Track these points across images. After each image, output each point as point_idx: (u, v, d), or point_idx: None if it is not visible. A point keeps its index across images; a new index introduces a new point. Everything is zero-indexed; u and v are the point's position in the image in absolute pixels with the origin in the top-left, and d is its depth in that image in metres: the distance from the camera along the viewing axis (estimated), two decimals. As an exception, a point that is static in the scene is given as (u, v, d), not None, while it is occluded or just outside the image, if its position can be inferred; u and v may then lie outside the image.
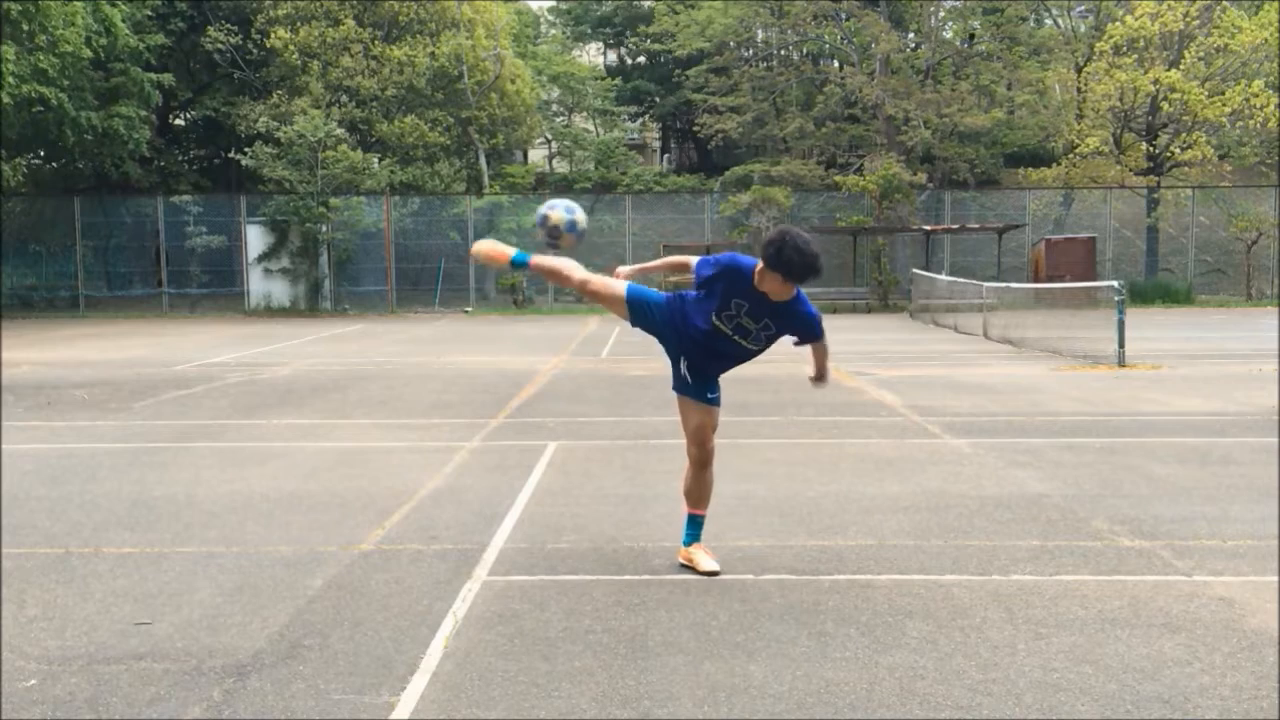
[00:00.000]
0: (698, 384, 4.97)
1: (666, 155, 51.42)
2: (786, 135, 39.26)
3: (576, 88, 43.27)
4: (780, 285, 4.56)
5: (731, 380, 5.80)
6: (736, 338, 4.76)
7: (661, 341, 5.05)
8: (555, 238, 5.07)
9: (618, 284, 5.07)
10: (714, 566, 4.94)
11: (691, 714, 3.47)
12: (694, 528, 5.11)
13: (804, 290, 4.76)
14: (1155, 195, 33.39)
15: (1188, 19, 31.95)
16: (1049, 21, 40.52)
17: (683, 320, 4.85)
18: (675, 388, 5.07)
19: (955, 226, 31.71)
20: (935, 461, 7.64)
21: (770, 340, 4.82)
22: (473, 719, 3.46)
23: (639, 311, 4.99)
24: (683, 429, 5.10)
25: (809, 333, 4.86)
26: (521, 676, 3.78)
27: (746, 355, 4.89)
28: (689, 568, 5.01)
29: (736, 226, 32.86)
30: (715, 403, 5.01)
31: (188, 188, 34.63)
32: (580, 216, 5.13)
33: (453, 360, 15.95)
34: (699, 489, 5.09)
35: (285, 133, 29.79)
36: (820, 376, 5.12)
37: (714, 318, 4.75)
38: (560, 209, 5.09)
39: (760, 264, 4.58)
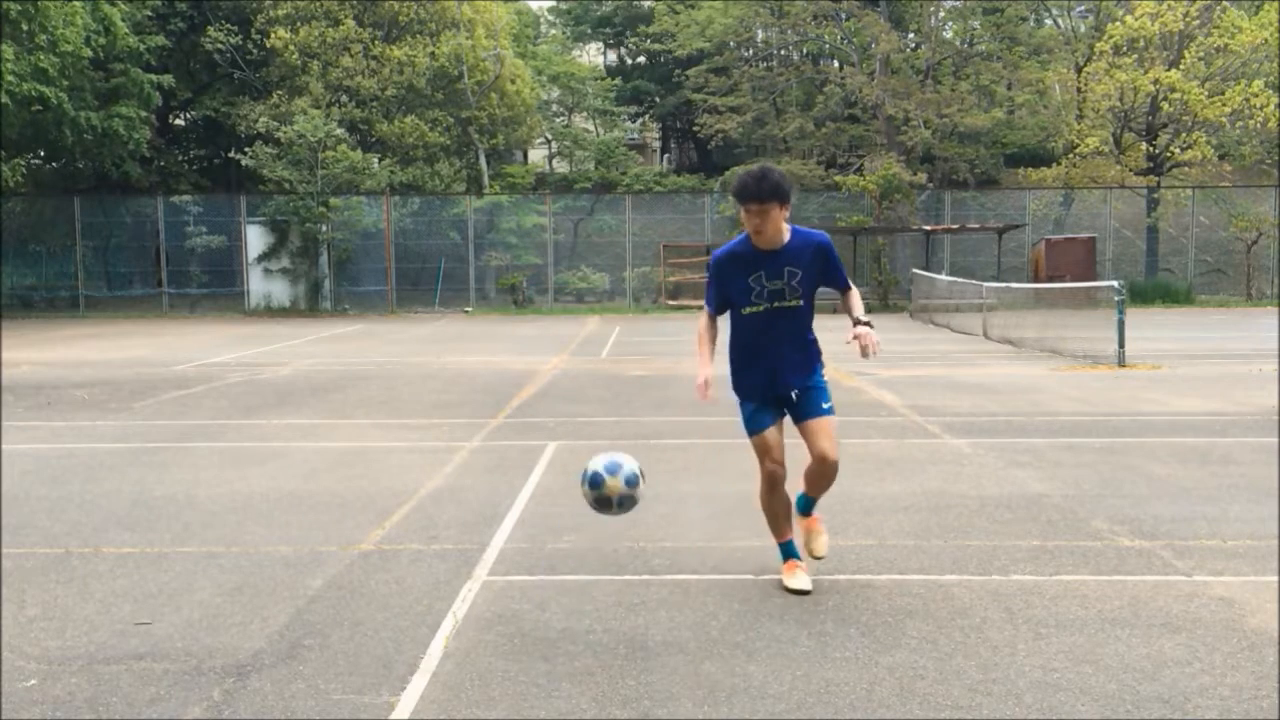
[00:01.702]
0: (811, 400, 4.70)
1: (666, 155, 51.40)
2: (786, 135, 39.26)
3: (576, 88, 43.26)
4: (776, 216, 4.50)
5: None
6: (775, 304, 4.63)
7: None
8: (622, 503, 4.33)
9: (770, 443, 4.72)
10: (823, 551, 4.81)
11: (691, 714, 3.47)
12: (808, 501, 4.87)
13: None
14: (1155, 195, 33.38)
15: (1188, 19, 31.94)
16: (1049, 21, 40.51)
17: (756, 348, 4.69)
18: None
19: (955, 226, 31.71)
20: (935, 461, 7.64)
21: (803, 286, 4.63)
22: (473, 719, 3.47)
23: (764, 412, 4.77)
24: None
25: (830, 260, 4.65)
26: (521, 676, 3.78)
27: (797, 318, 4.67)
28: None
29: (736, 226, 32.86)
30: (829, 412, 4.72)
31: (188, 188, 34.63)
32: (626, 468, 4.33)
33: (453, 360, 15.95)
34: (819, 478, 4.77)
35: (285, 133, 29.79)
36: (859, 322, 4.65)
37: (747, 309, 4.65)
38: (615, 474, 4.34)
39: (743, 215, 4.53)
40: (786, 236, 4.61)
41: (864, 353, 4.62)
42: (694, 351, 4.95)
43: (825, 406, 4.70)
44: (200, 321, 28.09)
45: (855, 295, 4.83)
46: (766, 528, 4.92)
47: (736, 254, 4.67)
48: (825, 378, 4.82)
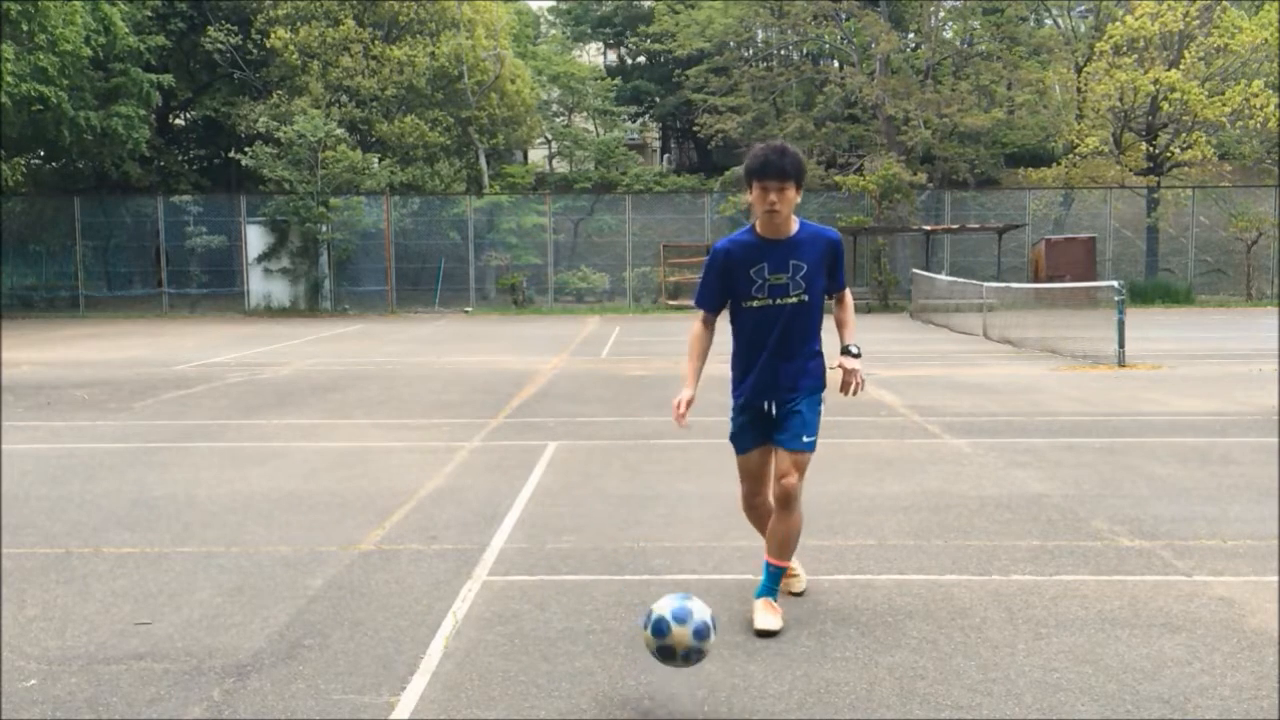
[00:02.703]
0: (787, 426, 4.27)
1: (666, 155, 51.40)
2: (786, 135, 39.19)
3: (576, 88, 43.26)
4: (791, 198, 4.17)
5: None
6: (777, 300, 4.24)
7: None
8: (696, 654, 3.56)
9: (749, 469, 4.46)
10: (771, 625, 4.20)
11: (692, 714, 3.47)
12: (770, 580, 4.34)
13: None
14: (1155, 195, 33.38)
15: (1188, 19, 31.94)
16: (1049, 21, 40.51)
17: (752, 348, 4.33)
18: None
19: (955, 226, 31.70)
20: (935, 461, 7.64)
21: (809, 282, 4.25)
22: (473, 719, 3.47)
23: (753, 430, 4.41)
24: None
25: (837, 260, 4.33)
26: (521, 676, 3.78)
27: (800, 319, 4.28)
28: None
29: (736, 227, 32.87)
30: (807, 448, 4.27)
31: (188, 188, 34.63)
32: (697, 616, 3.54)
33: (453, 360, 15.94)
34: (782, 532, 4.32)
35: (285, 133, 29.79)
36: (847, 351, 4.36)
37: (747, 303, 4.28)
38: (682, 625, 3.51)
39: (755, 195, 4.16)
40: (795, 227, 4.28)
41: (845, 389, 4.31)
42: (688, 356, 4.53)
43: (805, 440, 4.25)
44: (200, 321, 28.09)
45: (849, 308, 4.52)
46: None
47: (739, 244, 4.31)
48: (821, 407, 4.37)
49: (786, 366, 4.29)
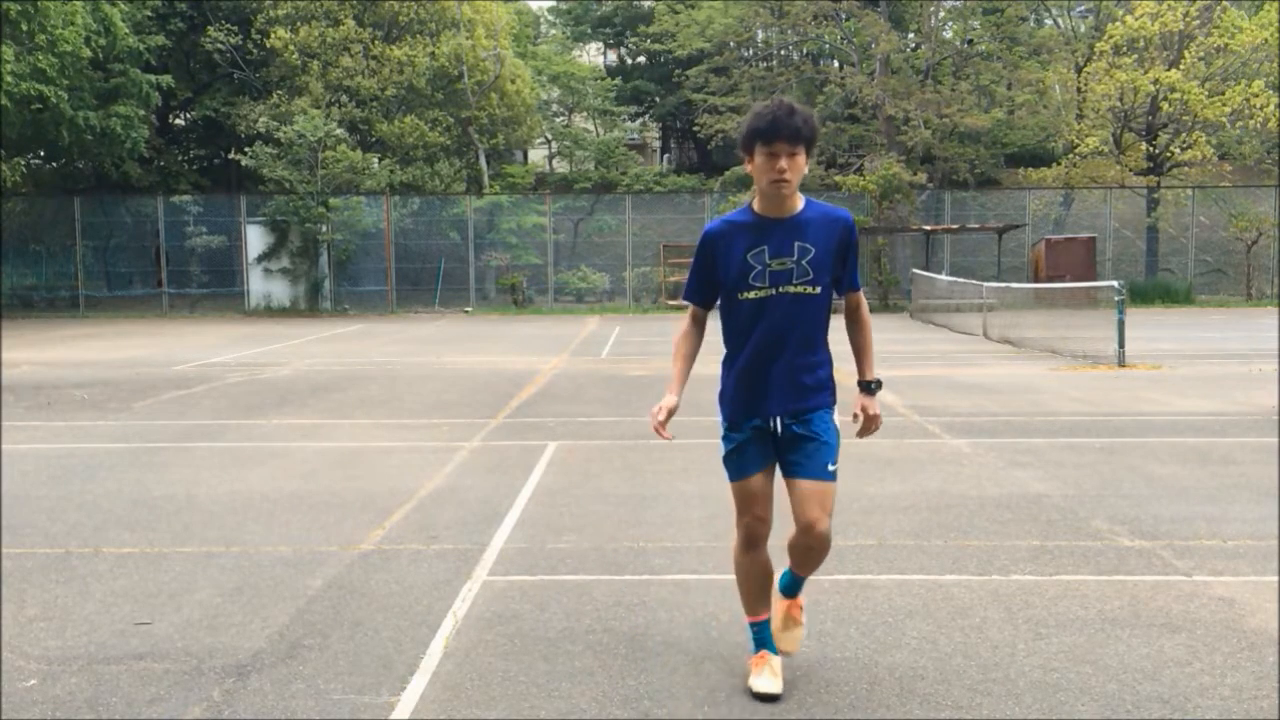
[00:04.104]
0: (807, 451, 3.59)
1: (666, 155, 51.40)
2: (787, 135, 39.13)
3: (576, 88, 43.29)
4: (802, 166, 3.49)
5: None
6: (780, 288, 3.54)
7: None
8: None
9: (754, 493, 3.67)
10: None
11: (691, 714, 3.48)
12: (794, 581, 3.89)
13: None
14: (1155, 195, 33.40)
15: (1188, 19, 31.95)
16: (1049, 21, 40.52)
17: (750, 348, 3.62)
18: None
19: (955, 226, 31.70)
20: (935, 461, 7.64)
21: (817, 270, 3.55)
22: (473, 719, 3.47)
23: (749, 455, 3.69)
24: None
25: (850, 247, 3.63)
26: (521, 676, 3.78)
27: (807, 313, 3.57)
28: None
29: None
30: (831, 476, 3.63)
31: (188, 188, 34.64)
32: None
33: (453, 360, 15.94)
34: (806, 552, 3.72)
35: (285, 133, 29.79)
36: (866, 385, 3.74)
37: (743, 295, 3.57)
38: None
39: (759, 163, 3.50)
40: (800, 204, 3.59)
41: (863, 434, 3.77)
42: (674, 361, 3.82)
43: (830, 469, 3.59)
44: (200, 321, 28.09)
45: (866, 325, 3.79)
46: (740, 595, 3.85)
47: (734, 225, 3.61)
48: (835, 422, 3.68)
49: (793, 373, 3.58)
